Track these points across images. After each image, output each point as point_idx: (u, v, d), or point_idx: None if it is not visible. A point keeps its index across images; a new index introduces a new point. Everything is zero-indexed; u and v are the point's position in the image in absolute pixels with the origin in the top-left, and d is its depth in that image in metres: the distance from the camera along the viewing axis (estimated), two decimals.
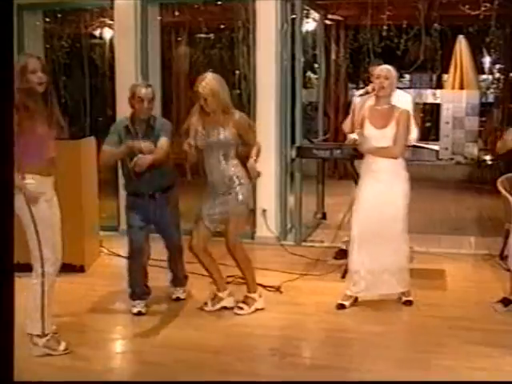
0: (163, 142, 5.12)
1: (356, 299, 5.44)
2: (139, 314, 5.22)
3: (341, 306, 5.37)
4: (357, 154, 5.68)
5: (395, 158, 5.24)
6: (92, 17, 10.52)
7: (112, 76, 8.31)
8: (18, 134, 3.71)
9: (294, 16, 7.57)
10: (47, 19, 9.52)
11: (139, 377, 4.30)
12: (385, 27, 10.73)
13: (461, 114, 14.53)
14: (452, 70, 14.92)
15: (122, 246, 7.00)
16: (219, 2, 9.41)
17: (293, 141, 7.58)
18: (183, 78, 12.81)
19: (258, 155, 5.27)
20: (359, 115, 5.41)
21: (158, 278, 5.70)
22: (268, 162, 7.47)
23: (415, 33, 10.57)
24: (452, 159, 13.85)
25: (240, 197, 5.18)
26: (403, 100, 6.44)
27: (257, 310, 5.36)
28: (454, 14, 10.53)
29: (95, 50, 11.83)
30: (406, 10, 10.14)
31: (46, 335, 4.44)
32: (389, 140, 5.19)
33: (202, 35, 12.44)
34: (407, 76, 15.89)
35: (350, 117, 5.36)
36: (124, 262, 6.29)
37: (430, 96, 15.39)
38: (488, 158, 12.37)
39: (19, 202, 4.19)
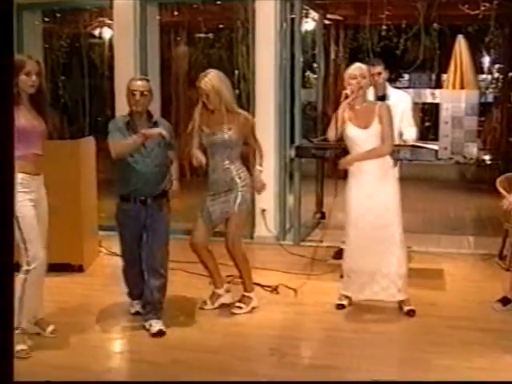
0: (171, 156, 5.13)
1: (350, 299, 5.41)
2: (137, 313, 5.21)
3: (340, 307, 5.35)
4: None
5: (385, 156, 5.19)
6: (91, 16, 10.53)
7: (111, 76, 8.31)
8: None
9: (293, 16, 7.57)
10: (46, 19, 9.53)
11: (138, 377, 4.29)
12: (384, 27, 10.75)
13: (460, 113, 14.52)
14: (451, 69, 14.90)
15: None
16: (218, 2, 9.41)
17: (292, 140, 7.59)
18: (182, 77, 12.80)
19: (262, 163, 5.33)
20: (341, 120, 5.18)
21: None
22: (267, 162, 7.41)
23: (414, 32, 10.58)
24: (451, 159, 13.85)
25: (240, 199, 5.18)
26: (403, 100, 6.46)
27: (253, 308, 5.37)
28: (453, 13, 10.54)
29: (94, 49, 11.84)
30: (405, 10, 10.15)
31: (17, 329, 4.37)
32: (375, 138, 5.09)
33: (202, 35, 12.43)
34: (406, 76, 15.90)
35: (332, 124, 5.21)
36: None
37: (429, 96, 15.39)
38: (487, 157, 12.37)
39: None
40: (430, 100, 15.41)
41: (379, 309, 5.34)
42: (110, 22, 9.02)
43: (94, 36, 11.49)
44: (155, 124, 5.00)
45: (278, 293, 5.82)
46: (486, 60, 15.38)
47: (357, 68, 5.19)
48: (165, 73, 10.12)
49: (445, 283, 6.16)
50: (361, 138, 5.13)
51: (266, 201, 7.56)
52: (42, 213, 4.56)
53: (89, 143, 6.74)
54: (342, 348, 4.75)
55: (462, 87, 14.85)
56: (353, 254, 5.28)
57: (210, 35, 12.62)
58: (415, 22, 10.22)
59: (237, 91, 9.73)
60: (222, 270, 5.59)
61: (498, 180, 6.56)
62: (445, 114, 14.55)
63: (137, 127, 4.93)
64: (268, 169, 7.42)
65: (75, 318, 5.22)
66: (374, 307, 5.35)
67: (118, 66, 7.91)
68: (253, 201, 7.61)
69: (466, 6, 9.83)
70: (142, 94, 4.93)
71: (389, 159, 5.24)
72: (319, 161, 8.24)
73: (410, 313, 5.26)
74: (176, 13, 10.44)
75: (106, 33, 10.94)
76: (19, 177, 4.29)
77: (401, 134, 6.14)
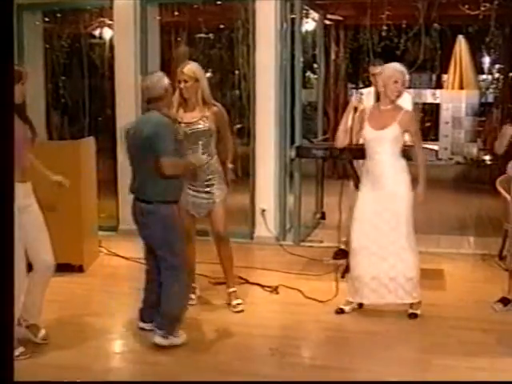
0: None
1: (361, 305, 5.34)
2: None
3: (340, 311, 5.30)
4: (355, 154, 5.65)
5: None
6: (91, 17, 10.52)
7: (111, 76, 8.31)
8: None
9: (293, 16, 7.57)
10: (47, 19, 9.52)
11: (138, 377, 4.30)
12: (384, 27, 10.74)
13: (460, 113, 14.55)
14: (451, 69, 14.93)
15: (121, 246, 7.03)
16: (219, 2, 9.39)
17: (292, 141, 7.59)
18: None
19: (231, 159, 5.48)
20: (356, 124, 5.16)
21: None
22: (267, 162, 7.50)
23: (415, 33, 10.57)
24: (451, 159, 13.86)
25: (221, 190, 5.35)
26: (403, 100, 6.45)
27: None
28: (453, 13, 10.53)
29: (95, 49, 11.83)
30: (406, 10, 10.14)
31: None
32: (388, 141, 5.04)
33: (202, 35, 12.42)
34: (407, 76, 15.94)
35: (341, 126, 5.19)
36: (123, 262, 6.31)
37: (429, 96, 15.42)
38: (487, 157, 12.38)
39: (30, 200, 4.49)
40: (430, 100, 15.44)
41: (379, 309, 5.33)
42: (110, 22, 9.02)
43: (94, 36, 11.48)
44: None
45: (277, 293, 5.82)
46: (487, 60, 15.41)
47: (394, 71, 5.13)
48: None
49: (445, 283, 6.15)
50: (373, 139, 5.08)
51: (266, 201, 7.57)
52: (32, 219, 4.53)
53: (89, 143, 6.74)
54: (342, 348, 4.76)
55: (462, 87, 14.88)
56: (359, 260, 5.18)
57: (211, 35, 12.63)
58: (415, 22, 10.20)
59: (237, 91, 9.75)
60: (219, 273, 5.63)
61: (498, 180, 6.56)
62: (445, 115, 14.58)
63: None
64: (268, 169, 7.47)
65: (75, 318, 5.23)
66: (374, 308, 5.35)
67: (118, 67, 7.91)
68: (253, 201, 7.65)
69: (467, 6, 9.83)
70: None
71: (402, 163, 5.16)
72: (319, 161, 8.24)
73: (412, 316, 5.21)
74: (176, 13, 10.42)
75: (107, 33, 10.93)
76: None
77: None
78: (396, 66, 5.21)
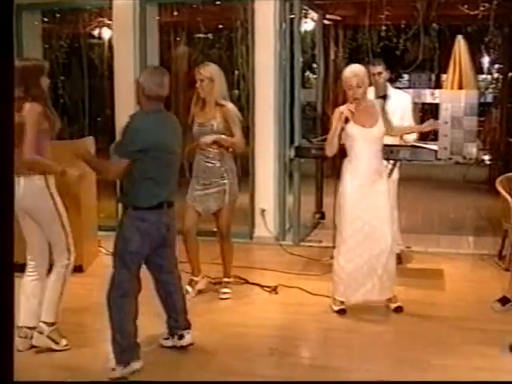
0: None
1: (343, 302, 5.36)
2: None
3: (341, 312, 5.29)
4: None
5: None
6: (90, 17, 10.52)
7: (111, 76, 8.31)
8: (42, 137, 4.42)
9: (292, 16, 7.58)
10: (46, 19, 9.52)
11: (138, 377, 4.29)
12: (383, 27, 10.74)
13: (459, 113, 14.50)
14: (451, 69, 14.82)
15: None
16: (218, 2, 9.40)
17: (291, 141, 7.59)
18: (182, 78, 12.80)
19: (230, 145, 5.54)
20: (337, 125, 5.16)
21: None
22: (267, 162, 7.50)
23: (414, 32, 10.55)
24: (451, 159, 13.82)
25: (230, 190, 5.56)
26: (402, 100, 6.47)
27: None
28: (452, 13, 10.53)
29: (94, 49, 11.83)
30: (405, 10, 10.14)
31: (54, 325, 4.60)
32: (376, 138, 5.17)
33: (201, 35, 12.42)
34: (406, 76, 15.91)
35: (328, 140, 5.20)
36: None
37: (428, 96, 15.38)
38: (487, 157, 12.37)
39: (42, 200, 4.50)
40: (429, 100, 15.40)
41: (377, 308, 5.35)
42: (109, 22, 9.01)
43: (93, 36, 11.48)
44: None
45: (276, 293, 5.82)
46: (486, 60, 15.37)
47: (352, 77, 5.12)
48: None
49: (444, 283, 6.16)
50: (362, 136, 5.14)
51: (266, 201, 7.57)
52: None
53: (88, 143, 6.72)
54: (342, 348, 4.76)
55: (461, 87, 14.85)
56: (346, 255, 5.22)
57: (210, 35, 12.62)
58: (415, 22, 10.20)
59: (236, 91, 9.74)
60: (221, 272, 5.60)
61: (498, 180, 6.58)
62: (444, 114, 14.51)
63: None
64: (268, 169, 7.47)
65: (75, 318, 5.22)
66: (372, 307, 5.36)
67: (117, 67, 7.91)
68: (252, 201, 7.65)
69: (466, 6, 9.83)
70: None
71: (383, 161, 5.34)
72: (319, 161, 8.24)
73: (398, 309, 5.30)
74: (175, 13, 10.42)
75: (106, 33, 10.93)
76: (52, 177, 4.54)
77: (401, 135, 6.15)
78: (350, 70, 5.20)
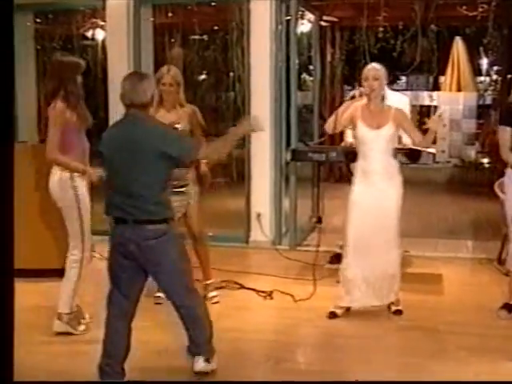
0: None
1: (349, 309, 5.37)
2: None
3: (333, 315, 5.31)
4: (352, 157, 5.68)
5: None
6: (84, 18, 10.52)
7: (104, 78, 8.31)
8: (74, 129, 4.81)
9: (288, 17, 7.59)
10: (38, 20, 9.52)
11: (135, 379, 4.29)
12: (381, 29, 10.76)
13: (458, 116, 14.58)
14: (449, 71, 14.96)
15: None
16: (213, 3, 9.41)
17: (288, 143, 7.60)
18: None
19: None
20: (346, 115, 5.25)
21: None
22: (263, 165, 7.51)
23: (411, 34, 10.59)
24: (449, 162, 13.88)
25: (196, 191, 5.58)
26: (400, 102, 6.47)
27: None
28: (450, 15, 10.56)
29: (87, 51, 11.82)
30: (402, 11, 10.17)
31: (72, 313, 4.97)
32: (384, 140, 5.15)
33: (196, 37, 12.44)
34: (404, 78, 15.94)
35: (333, 116, 5.28)
36: None
37: (426, 98, 15.44)
38: (485, 160, 12.40)
39: (63, 191, 4.83)
40: (427, 102, 15.46)
41: (375, 313, 5.35)
42: (102, 23, 9.02)
43: (86, 37, 11.48)
44: None
45: (272, 298, 5.81)
46: (484, 62, 15.44)
47: (370, 69, 5.24)
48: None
49: (443, 288, 6.16)
50: (370, 137, 5.16)
51: (262, 205, 7.57)
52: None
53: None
54: (339, 353, 4.76)
55: (459, 89, 14.90)
56: (352, 260, 5.24)
57: (205, 37, 12.65)
58: (412, 23, 10.23)
59: (232, 93, 9.76)
60: (216, 275, 5.73)
61: (497, 183, 6.56)
62: (442, 117, 14.61)
63: None
64: (263, 172, 7.47)
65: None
66: (370, 311, 5.36)
67: (111, 68, 7.92)
68: (248, 205, 7.65)
69: (464, 7, 9.86)
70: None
71: (395, 162, 5.30)
72: (315, 164, 8.24)
73: (397, 312, 5.33)
74: (170, 14, 10.44)
75: (99, 34, 10.93)
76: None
77: (399, 138, 6.15)
78: (369, 65, 5.33)
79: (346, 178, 6.19)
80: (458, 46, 14.73)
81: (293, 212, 7.62)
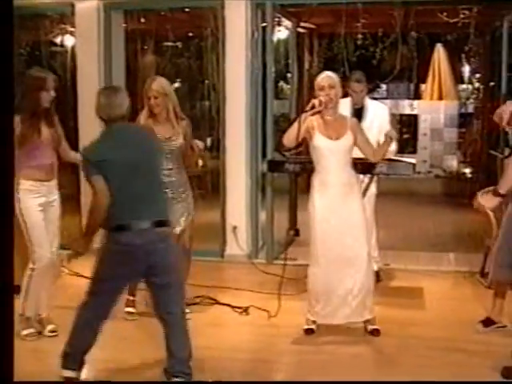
0: None
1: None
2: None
3: (309, 331, 5.33)
4: None
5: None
6: (52, 23, 10.46)
7: (74, 86, 8.28)
8: (20, 144, 4.84)
9: (264, 24, 7.62)
10: None
11: None
12: (360, 36, 10.82)
13: (439, 125, 14.67)
14: (430, 79, 15.06)
15: (84, 266, 6.95)
16: (187, 9, 9.42)
17: (264, 154, 7.61)
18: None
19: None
20: (303, 127, 5.16)
21: None
22: (238, 177, 7.52)
23: (391, 41, 10.64)
24: (430, 172, 13.97)
25: (191, 201, 5.65)
26: (380, 111, 6.53)
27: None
28: (431, 21, 10.62)
29: (56, 58, 11.75)
30: (382, 18, 10.21)
31: (22, 316, 5.23)
32: (344, 150, 5.16)
33: (170, 43, 12.43)
34: (383, 86, 16.03)
35: (294, 128, 5.15)
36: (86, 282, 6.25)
37: (407, 107, 15.51)
38: (467, 170, 12.50)
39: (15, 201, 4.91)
40: (408, 111, 15.53)
41: (355, 329, 5.36)
42: (72, 29, 8.99)
43: (55, 44, 11.42)
44: None
45: (247, 314, 5.81)
46: (466, 69, 15.55)
47: (325, 78, 5.21)
48: (131, 83, 10.11)
49: (424, 302, 6.20)
50: (329, 148, 5.15)
51: (238, 217, 7.58)
52: (51, 216, 5.28)
53: None
54: (318, 371, 4.76)
55: (441, 98, 15.02)
56: (322, 276, 5.23)
57: (179, 44, 12.63)
58: (392, 30, 10.28)
59: (206, 102, 9.76)
60: (192, 291, 5.65)
61: (479, 194, 6.59)
62: (423, 126, 14.70)
63: None
64: (239, 184, 7.48)
65: (33, 340, 5.21)
66: (348, 328, 5.37)
67: (80, 76, 7.91)
68: (223, 217, 7.65)
69: (445, 13, 9.93)
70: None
71: (354, 174, 5.30)
72: (292, 175, 8.26)
73: (375, 332, 5.31)
74: (143, 20, 10.42)
75: (68, 40, 10.89)
76: (28, 183, 5.03)
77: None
78: (323, 74, 5.30)
79: None
80: (439, 54, 14.84)
81: (270, 224, 7.63)
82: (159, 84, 5.46)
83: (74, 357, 4.36)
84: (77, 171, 7.73)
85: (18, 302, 5.11)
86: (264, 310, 5.84)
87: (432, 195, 12.66)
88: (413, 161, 6.19)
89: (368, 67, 10.86)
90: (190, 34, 12.17)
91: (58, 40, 11.23)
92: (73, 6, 7.85)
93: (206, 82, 10.16)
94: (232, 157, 7.54)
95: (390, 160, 6.06)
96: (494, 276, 5.35)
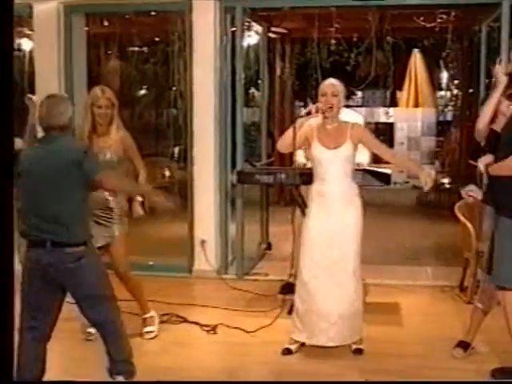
0: None
1: (303, 343, 5.34)
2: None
3: (287, 352, 5.29)
4: (303, 179, 5.71)
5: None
6: None
7: (32, 92, 8.22)
8: None
9: (234, 28, 7.64)
10: None
11: None
12: (333, 41, 10.86)
13: (416, 133, 14.82)
14: (406, 86, 15.22)
15: None
16: (153, 13, 9.42)
17: (233, 165, 7.61)
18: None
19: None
20: (300, 133, 5.16)
21: None
22: (207, 188, 7.51)
23: (366, 47, 10.71)
24: (407, 182, 14.07)
25: (120, 221, 5.43)
26: (352, 120, 6.55)
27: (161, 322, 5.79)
28: (407, 26, 10.71)
29: (12, 62, 11.68)
30: (356, 23, 10.27)
31: None
32: (343, 159, 5.13)
33: (135, 48, 12.41)
34: (358, 93, 16.15)
35: (289, 134, 5.17)
36: None
37: (382, 115, 15.64)
38: (446, 181, 12.60)
39: None
40: (383, 119, 15.66)
41: (331, 348, 5.34)
42: (30, 32, 8.94)
43: None
44: None
45: (215, 333, 5.78)
46: (444, 76, 15.71)
47: (329, 85, 5.23)
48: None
49: (401, 318, 6.21)
50: (327, 158, 5.14)
51: (206, 231, 7.56)
52: None
53: None
54: None
55: (418, 105, 15.17)
56: (309, 294, 5.19)
57: (144, 49, 12.62)
58: (367, 35, 10.34)
59: (173, 110, 9.75)
60: (157, 308, 5.68)
61: (457, 205, 6.65)
62: (400, 135, 14.85)
63: None
64: (208, 196, 7.47)
65: None
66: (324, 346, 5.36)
67: (39, 82, 7.85)
68: (191, 231, 7.63)
69: (422, 18, 10.01)
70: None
71: (354, 186, 5.27)
72: (263, 187, 8.28)
73: (357, 352, 5.29)
74: (106, 24, 10.40)
75: (26, 44, 10.82)
76: None
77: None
78: (327, 81, 5.33)
79: (296, 201, 6.17)
80: (416, 59, 15.00)
81: (240, 238, 7.62)
82: (111, 94, 5.42)
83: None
84: None
85: None
86: (234, 327, 5.83)
87: (409, 206, 12.74)
88: (389, 171, 6.21)
89: (342, 74, 10.90)
90: (157, 39, 12.17)
91: (14, 44, 11.16)
92: (31, 7, 7.79)
93: (173, 88, 10.14)
94: (200, 167, 7.53)
95: (365, 170, 6.11)
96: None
